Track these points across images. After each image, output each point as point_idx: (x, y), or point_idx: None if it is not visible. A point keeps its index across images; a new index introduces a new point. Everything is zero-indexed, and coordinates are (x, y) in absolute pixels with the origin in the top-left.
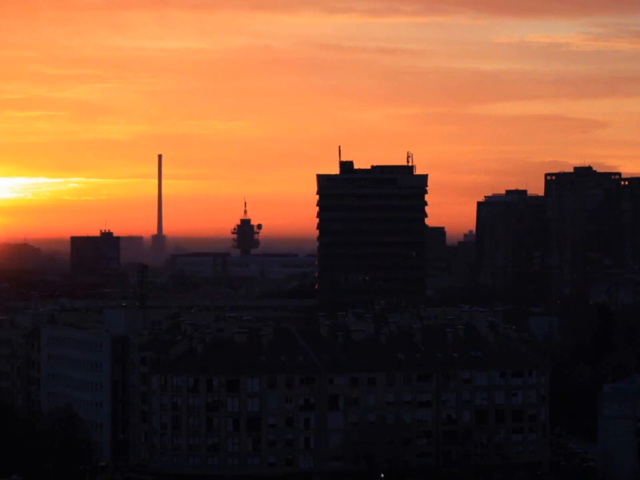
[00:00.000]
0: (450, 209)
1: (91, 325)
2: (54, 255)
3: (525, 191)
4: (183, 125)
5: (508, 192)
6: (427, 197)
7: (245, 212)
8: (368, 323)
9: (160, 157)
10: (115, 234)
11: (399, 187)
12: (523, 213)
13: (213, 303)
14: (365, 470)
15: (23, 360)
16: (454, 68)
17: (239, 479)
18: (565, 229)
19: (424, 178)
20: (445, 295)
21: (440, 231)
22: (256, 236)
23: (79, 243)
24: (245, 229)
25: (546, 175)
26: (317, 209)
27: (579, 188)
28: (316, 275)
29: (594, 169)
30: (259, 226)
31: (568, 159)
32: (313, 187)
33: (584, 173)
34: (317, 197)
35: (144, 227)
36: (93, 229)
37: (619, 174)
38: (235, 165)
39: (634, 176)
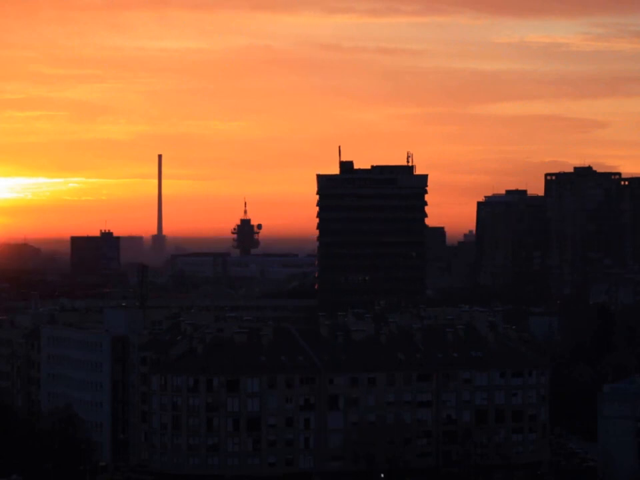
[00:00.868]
0: (450, 209)
1: (91, 325)
2: (54, 254)
3: (524, 191)
4: (183, 125)
5: (508, 192)
6: (426, 197)
7: (245, 212)
8: (368, 323)
9: (160, 157)
10: (115, 234)
11: (399, 187)
12: (523, 213)
13: (212, 303)
14: (365, 470)
15: (23, 360)
16: (454, 68)
17: (239, 478)
18: (565, 228)
19: (424, 178)
20: (445, 294)
21: (440, 231)
22: (256, 236)
23: (79, 242)
24: (245, 229)
25: (546, 175)
26: (317, 208)
27: (579, 188)
28: (316, 275)
29: (594, 168)
30: (259, 226)
31: (568, 159)
32: (313, 187)
33: (584, 173)
34: (317, 196)
35: (144, 226)
36: (93, 229)
37: (619, 174)
38: (234, 165)
39: (634, 176)
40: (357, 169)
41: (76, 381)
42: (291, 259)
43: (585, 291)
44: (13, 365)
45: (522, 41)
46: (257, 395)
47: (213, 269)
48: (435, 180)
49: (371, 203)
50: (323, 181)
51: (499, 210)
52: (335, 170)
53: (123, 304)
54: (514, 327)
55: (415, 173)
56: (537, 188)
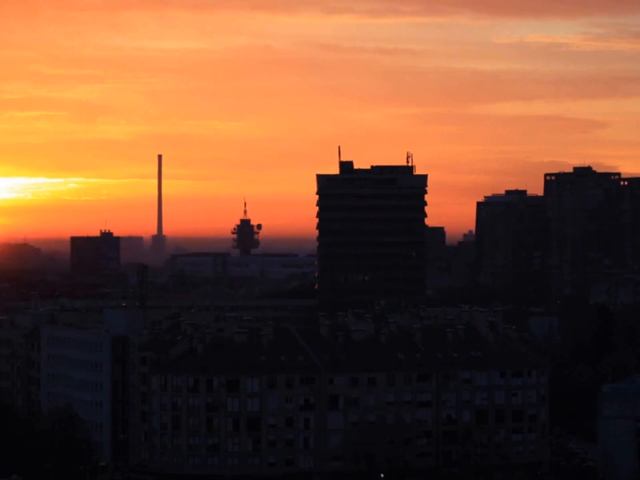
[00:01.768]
0: (450, 209)
1: (91, 325)
2: (54, 254)
3: (524, 191)
4: (183, 125)
5: (508, 192)
6: (426, 197)
7: (245, 212)
8: (368, 323)
9: (160, 157)
10: (115, 234)
11: (399, 187)
12: (523, 213)
13: (212, 303)
14: (365, 470)
15: (23, 360)
16: (454, 68)
17: (239, 478)
18: (564, 228)
19: (424, 178)
20: (445, 294)
21: (440, 231)
22: (256, 236)
23: (79, 243)
24: (245, 229)
25: (546, 175)
26: (317, 208)
27: (579, 188)
28: (316, 275)
29: (594, 169)
30: (259, 226)
31: (568, 159)
32: (313, 187)
33: (584, 173)
34: (317, 196)
35: (144, 226)
36: (92, 229)
37: (619, 174)
38: (234, 165)
39: (634, 176)
40: (356, 169)
41: (76, 381)
42: (291, 259)
43: (585, 291)
44: (12, 364)
45: (522, 41)
46: (257, 395)
47: (213, 269)
48: (435, 180)
49: (370, 203)
50: (323, 181)
51: (498, 210)
52: (335, 170)
53: (123, 304)
54: (514, 326)
55: (414, 173)
56: (536, 188)
